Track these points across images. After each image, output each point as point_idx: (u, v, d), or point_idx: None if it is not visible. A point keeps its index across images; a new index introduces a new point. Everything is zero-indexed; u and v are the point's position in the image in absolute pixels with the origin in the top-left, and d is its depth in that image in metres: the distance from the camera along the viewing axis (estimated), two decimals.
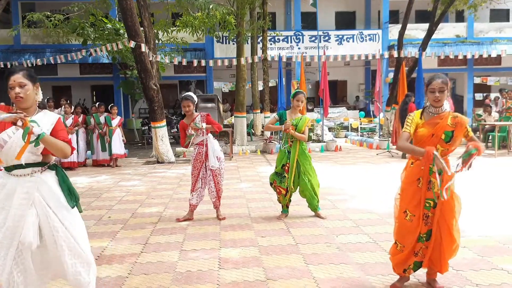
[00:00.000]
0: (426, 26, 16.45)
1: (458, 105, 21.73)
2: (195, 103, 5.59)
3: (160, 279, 3.72)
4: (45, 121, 2.80)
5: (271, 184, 5.72)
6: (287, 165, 5.52)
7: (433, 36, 15.74)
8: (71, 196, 2.91)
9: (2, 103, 10.68)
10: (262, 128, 18.20)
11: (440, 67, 21.65)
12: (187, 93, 5.65)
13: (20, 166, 2.76)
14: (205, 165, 5.58)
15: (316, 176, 5.66)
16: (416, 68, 14.28)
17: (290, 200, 5.74)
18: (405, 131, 3.28)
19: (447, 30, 21.37)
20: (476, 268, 3.79)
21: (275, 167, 5.69)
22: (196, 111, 5.66)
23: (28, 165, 2.77)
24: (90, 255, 2.94)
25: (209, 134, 5.58)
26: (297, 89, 5.62)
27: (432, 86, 3.24)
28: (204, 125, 5.47)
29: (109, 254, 4.39)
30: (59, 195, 2.85)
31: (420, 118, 3.32)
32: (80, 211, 3.06)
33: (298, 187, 5.64)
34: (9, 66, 15.56)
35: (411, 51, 15.18)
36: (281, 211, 5.76)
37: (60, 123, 2.89)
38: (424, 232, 3.27)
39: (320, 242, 4.64)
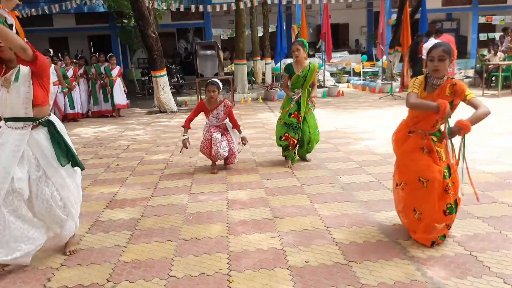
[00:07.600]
0: None
1: (462, 45, 21.37)
2: (220, 89, 5.42)
3: (172, 219, 3.86)
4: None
5: (280, 138, 5.46)
6: (295, 113, 5.38)
7: None
8: (63, 153, 2.93)
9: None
10: (264, 76, 18.03)
11: (444, 6, 21.10)
12: (213, 79, 5.55)
13: (13, 119, 2.84)
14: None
15: (317, 132, 5.60)
16: (420, 8, 13.93)
17: (295, 153, 5.68)
18: (413, 91, 3.10)
19: None
20: (477, 202, 3.89)
21: (279, 118, 5.56)
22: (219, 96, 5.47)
23: (20, 119, 2.84)
24: (72, 214, 3.07)
25: (229, 124, 5.48)
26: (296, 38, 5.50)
27: (431, 54, 3.01)
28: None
29: (121, 199, 4.53)
30: (47, 153, 2.89)
31: (424, 89, 3.11)
32: (82, 169, 3.12)
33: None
34: None
35: None
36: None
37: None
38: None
39: (324, 183, 4.76)
